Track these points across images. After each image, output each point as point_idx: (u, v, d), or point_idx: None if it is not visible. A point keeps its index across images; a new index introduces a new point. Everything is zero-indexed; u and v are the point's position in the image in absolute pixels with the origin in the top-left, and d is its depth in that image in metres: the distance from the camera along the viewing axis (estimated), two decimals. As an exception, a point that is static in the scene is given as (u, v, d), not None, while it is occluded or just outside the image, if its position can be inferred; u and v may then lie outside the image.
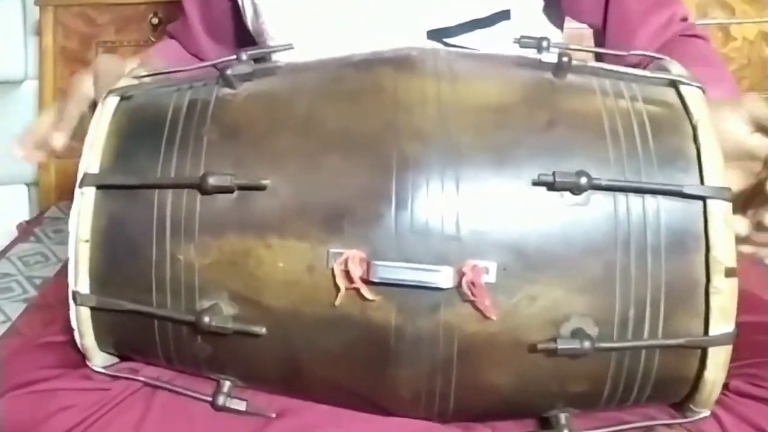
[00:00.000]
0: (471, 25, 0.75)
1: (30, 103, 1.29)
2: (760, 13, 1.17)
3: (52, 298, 0.71)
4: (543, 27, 0.80)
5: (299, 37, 0.76)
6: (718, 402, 0.56)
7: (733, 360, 0.56)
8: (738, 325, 0.52)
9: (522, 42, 0.58)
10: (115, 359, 0.61)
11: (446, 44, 0.74)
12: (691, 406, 0.55)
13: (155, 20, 1.22)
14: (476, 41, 0.74)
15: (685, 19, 0.80)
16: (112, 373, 0.59)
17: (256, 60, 0.60)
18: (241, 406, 0.57)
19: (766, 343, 0.62)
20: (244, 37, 0.85)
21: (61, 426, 0.56)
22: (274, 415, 0.57)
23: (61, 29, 1.24)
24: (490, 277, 0.50)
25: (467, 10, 0.74)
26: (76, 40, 1.24)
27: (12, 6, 1.26)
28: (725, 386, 0.57)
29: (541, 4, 0.79)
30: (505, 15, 0.75)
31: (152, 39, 1.22)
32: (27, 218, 1.25)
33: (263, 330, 0.52)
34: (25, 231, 1.16)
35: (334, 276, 0.50)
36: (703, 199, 0.50)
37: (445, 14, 0.75)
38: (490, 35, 0.74)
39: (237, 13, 0.84)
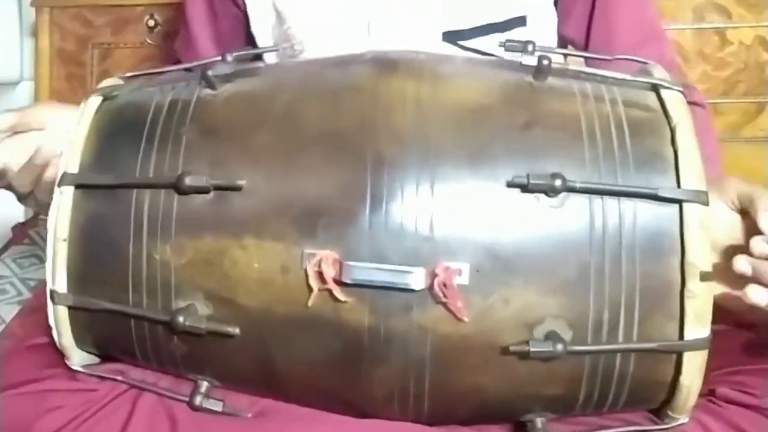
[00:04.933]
0: (487, 29, 0.75)
1: (26, 104, 1.27)
2: (756, 17, 1.17)
3: (46, 300, 0.71)
4: (555, 35, 0.81)
5: (324, 39, 0.76)
6: (706, 409, 0.56)
7: (720, 366, 0.56)
8: (725, 332, 0.52)
9: (507, 45, 0.58)
10: (97, 359, 0.61)
11: (461, 47, 0.75)
12: (669, 412, 0.55)
13: (151, 22, 1.22)
14: (491, 45, 0.74)
15: (671, 65, 0.80)
16: (96, 374, 0.59)
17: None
18: (218, 406, 0.57)
19: (753, 350, 0.61)
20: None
21: (50, 427, 0.56)
22: (249, 416, 0.57)
23: (58, 31, 1.24)
24: (464, 279, 0.49)
25: (484, 14, 0.75)
26: (73, 42, 1.24)
27: (8, 7, 1.27)
28: (712, 393, 0.57)
29: (553, 12, 0.80)
30: (521, 21, 0.76)
31: (148, 41, 1.22)
32: (22, 220, 1.25)
33: (236, 330, 0.52)
34: (20, 233, 1.15)
35: (307, 277, 0.50)
36: (679, 202, 0.50)
37: (462, 17, 0.75)
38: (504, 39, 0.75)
39: (245, 29, 0.84)
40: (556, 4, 0.80)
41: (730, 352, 0.58)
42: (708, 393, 0.56)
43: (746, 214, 0.56)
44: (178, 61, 0.91)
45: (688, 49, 1.18)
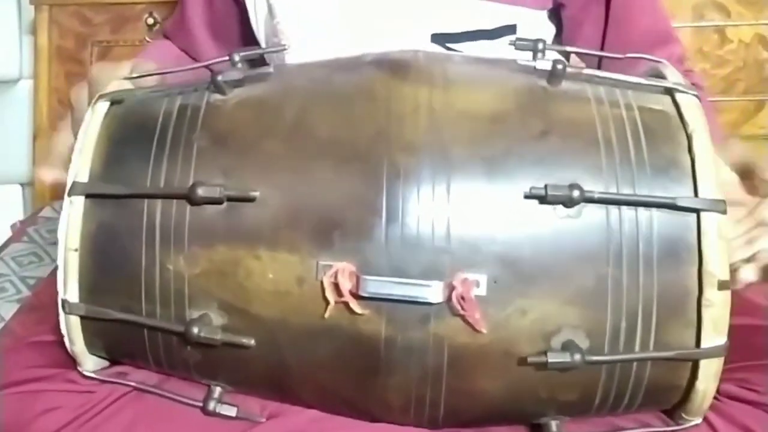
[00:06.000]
0: (476, 35, 0.75)
1: (25, 102, 1.27)
2: (755, 15, 1.17)
3: (46, 298, 0.71)
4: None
5: (313, 36, 0.76)
6: (711, 406, 0.56)
7: (725, 363, 0.56)
8: (731, 328, 0.52)
9: (517, 44, 0.57)
10: (106, 362, 0.60)
11: (449, 49, 0.74)
12: (683, 414, 0.55)
13: (151, 20, 1.21)
14: (479, 50, 0.74)
15: (681, 60, 0.80)
16: (102, 378, 0.59)
17: (252, 61, 0.59)
18: (232, 411, 0.57)
19: (758, 347, 0.62)
20: (246, 38, 0.84)
21: (48, 427, 0.56)
22: (263, 420, 0.57)
23: (57, 28, 1.22)
24: (481, 290, 0.49)
25: (473, 20, 0.75)
26: (72, 40, 1.23)
27: (7, 5, 1.25)
28: (717, 390, 0.57)
29: (547, 23, 0.79)
30: (511, 29, 0.75)
31: (148, 39, 1.21)
32: (21, 218, 1.24)
33: (252, 342, 0.51)
34: (19, 231, 1.15)
35: (323, 288, 0.49)
36: (697, 211, 0.50)
37: (452, 21, 0.75)
38: (493, 46, 0.75)
39: (239, 15, 0.84)
40: (551, 17, 0.79)
41: (734, 349, 0.58)
42: (712, 390, 0.57)
43: (746, 176, 0.56)
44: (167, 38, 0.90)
45: (687, 47, 1.17)
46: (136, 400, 0.58)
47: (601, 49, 0.79)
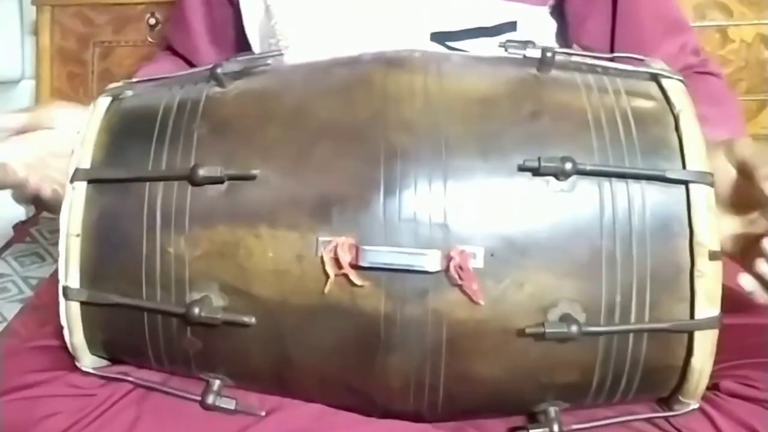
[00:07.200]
0: (476, 32, 0.76)
1: (27, 103, 1.27)
2: (757, 15, 1.16)
3: (48, 298, 0.70)
4: (548, 41, 0.81)
5: (311, 36, 0.77)
6: (711, 402, 0.57)
7: (724, 360, 0.57)
8: (730, 326, 0.53)
9: (507, 45, 0.59)
10: (105, 362, 0.60)
11: (449, 47, 0.75)
12: (680, 397, 0.55)
13: (152, 21, 1.21)
14: (479, 48, 0.75)
15: (696, 51, 0.81)
16: (102, 374, 0.59)
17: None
18: (231, 404, 0.57)
19: (757, 345, 0.62)
20: (243, 46, 0.86)
21: None
22: (263, 413, 0.57)
23: (59, 29, 1.23)
24: (478, 263, 0.50)
25: (473, 17, 0.76)
26: (74, 40, 1.23)
27: (9, 5, 1.26)
28: (717, 386, 0.58)
29: (548, 19, 0.80)
30: (511, 26, 0.76)
31: (149, 39, 1.21)
32: (23, 218, 1.24)
33: (252, 320, 0.52)
34: (22, 231, 1.15)
35: (323, 264, 0.50)
36: (685, 183, 0.51)
37: (451, 19, 0.75)
38: (493, 43, 0.76)
39: (237, 21, 0.85)
40: (554, 13, 0.80)
41: (734, 346, 0.59)
42: (712, 387, 0.57)
43: (747, 177, 0.55)
44: (169, 48, 0.91)
45: (689, 47, 1.18)
46: (137, 401, 0.58)
47: (612, 43, 0.79)
